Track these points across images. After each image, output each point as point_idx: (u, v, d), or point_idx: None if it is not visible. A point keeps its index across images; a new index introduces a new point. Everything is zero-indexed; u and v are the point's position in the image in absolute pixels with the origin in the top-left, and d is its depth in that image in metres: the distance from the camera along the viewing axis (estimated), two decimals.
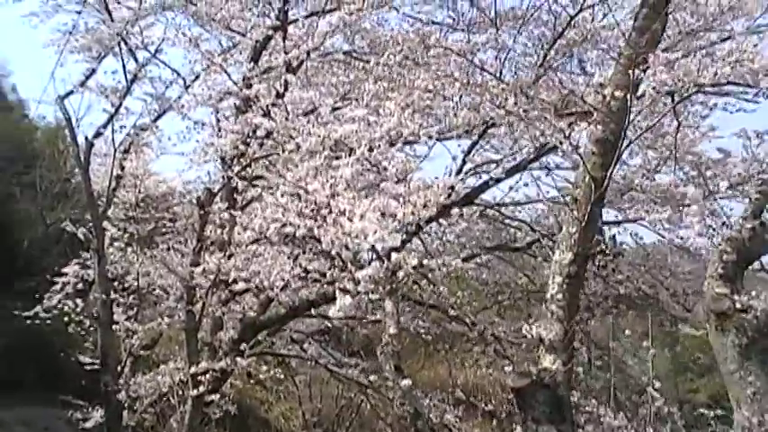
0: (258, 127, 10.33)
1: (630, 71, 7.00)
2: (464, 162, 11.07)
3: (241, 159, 11.47)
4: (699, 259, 11.99)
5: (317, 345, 14.27)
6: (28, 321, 15.39)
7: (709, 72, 6.85)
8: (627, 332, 16.87)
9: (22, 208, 23.57)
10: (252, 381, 17.38)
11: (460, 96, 9.96)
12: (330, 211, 7.62)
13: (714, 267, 6.23)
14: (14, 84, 28.38)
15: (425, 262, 7.77)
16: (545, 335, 6.57)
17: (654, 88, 7.04)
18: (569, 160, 11.42)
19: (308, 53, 11.11)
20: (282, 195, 8.48)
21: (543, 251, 11.97)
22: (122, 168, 13.83)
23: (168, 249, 14.61)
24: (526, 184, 11.62)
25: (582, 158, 7.19)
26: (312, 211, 7.94)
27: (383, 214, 7.46)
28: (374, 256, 7.35)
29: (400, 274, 6.92)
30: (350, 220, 7.30)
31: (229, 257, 10.79)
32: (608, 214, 11.75)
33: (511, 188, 11.52)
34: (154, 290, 14.85)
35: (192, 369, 11.18)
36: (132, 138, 13.65)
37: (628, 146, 8.26)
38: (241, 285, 11.12)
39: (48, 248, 22.52)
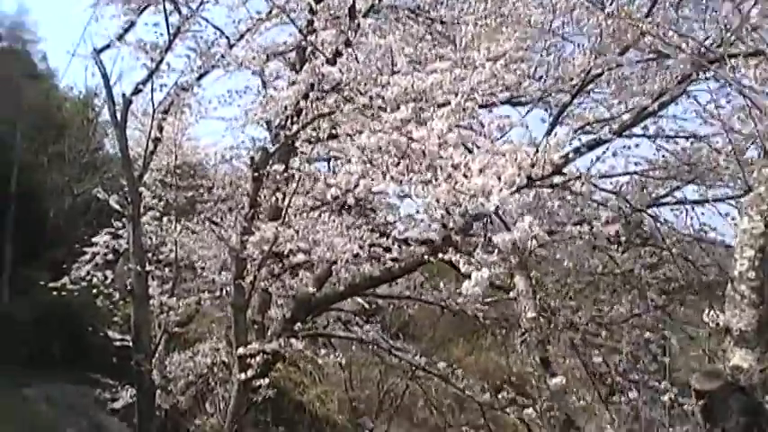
0: (324, 78, 8.61)
1: None
2: (555, 122, 9.27)
3: (298, 118, 9.75)
4: None
5: (371, 326, 12.48)
6: (55, 293, 13.55)
7: None
8: None
9: (49, 178, 21.97)
10: (286, 362, 15.77)
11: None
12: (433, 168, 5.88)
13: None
14: (45, 51, 26.51)
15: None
16: (733, 323, 4.81)
17: None
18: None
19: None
20: (363, 151, 6.75)
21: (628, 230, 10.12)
22: (161, 130, 12.17)
23: (206, 221, 12.90)
24: (615, 154, 9.86)
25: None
26: (407, 166, 6.21)
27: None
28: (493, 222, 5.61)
29: (531, 243, 5.14)
30: (465, 176, 5.57)
31: (288, 226, 9.04)
32: None
33: (598, 158, 9.72)
34: (191, 263, 13.07)
35: (240, 350, 9.43)
36: (173, 97, 11.92)
37: None
38: (299, 257, 9.34)
39: (75, 219, 21.24)
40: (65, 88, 25.23)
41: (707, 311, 5.09)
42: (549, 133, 9.05)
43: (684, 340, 11.29)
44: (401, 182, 5.85)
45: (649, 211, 10.26)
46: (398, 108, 7.34)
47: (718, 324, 4.91)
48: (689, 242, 10.65)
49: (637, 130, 9.55)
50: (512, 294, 5.38)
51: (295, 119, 9.74)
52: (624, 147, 9.60)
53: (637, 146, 9.83)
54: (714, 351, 11.62)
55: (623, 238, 10.59)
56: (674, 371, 12.14)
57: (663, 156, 10.09)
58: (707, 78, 8.70)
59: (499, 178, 5.52)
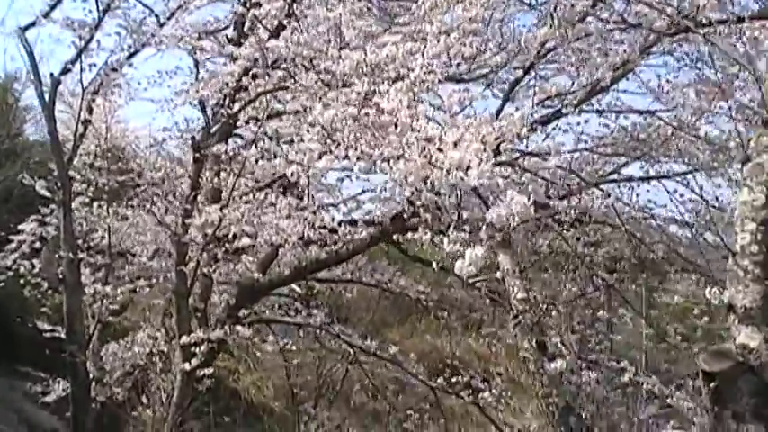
0: (267, 53, 8.14)
1: None
2: (507, 98, 8.91)
3: (237, 96, 9.27)
4: None
5: (318, 311, 12.00)
6: None
7: None
8: None
9: None
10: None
11: None
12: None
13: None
14: None
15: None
16: (737, 300, 4.48)
17: None
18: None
19: None
20: (321, 127, 6.29)
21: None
22: (90, 112, 11.51)
23: (140, 205, 12.33)
24: (565, 130, 9.57)
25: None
26: (371, 141, 5.79)
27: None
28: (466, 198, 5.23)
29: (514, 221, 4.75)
30: (439, 150, 5.17)
31: (233, 208, 8.54)
32: None
33: (547, 135, 9.41)
34: (124, 250, 12.47)
35: (184, 338, 8.91)
36: (102, 77, 11.27)
37: None
38: (245, 241, 8.83)
39: None
40: None
41: (709, 289, 4.75)
42: (501, 108, 8.77)
43: (634, 319, 11.13)
44: (370, 156, 5.39)
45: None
46: (351, 83, 6.96)
47: (720, 301, 4.57)
48: (635, 220, 10.45)
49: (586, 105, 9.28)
50: (498, 274, 4.94)
51: (236, 97, 9.27)
52: (576, 123, 9.32)
53: (587, 122, 9.56)
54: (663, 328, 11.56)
55: (570, 217, 10.31)
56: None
57: (611, 132, 9.84)
58: (664, 52, 8.48)
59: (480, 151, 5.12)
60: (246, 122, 9.41)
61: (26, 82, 22.67)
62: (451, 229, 5.28)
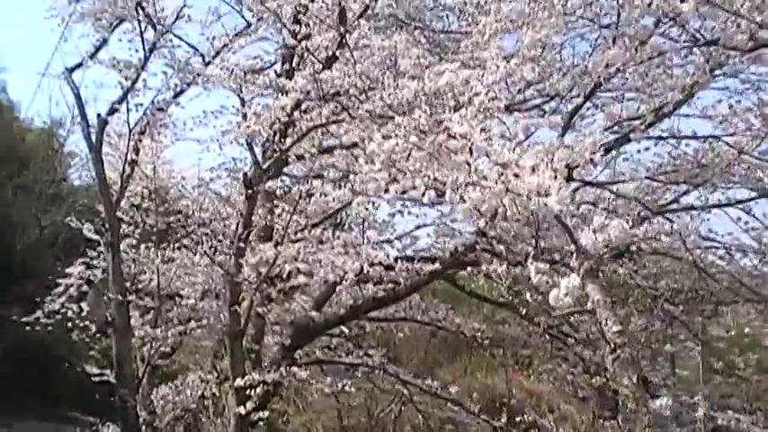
0: (320, 85, 7.83)
1: None
2: (567, 126, 8.51)
3: (287, 132, 8.97)
4: None
5: (376, 351, 11.61)
6: (27, 328, 12.56)
7: None
8: None
9: (14, 211, 20.88)
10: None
11: None
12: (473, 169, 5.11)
13: None
14: (5, 81, 25.40)
15: None
16: None
17: None
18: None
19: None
20: (377, 157, 5.94)
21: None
22: (137, 152, 11.28)
23: (190, 246, 12.05)
24: (625, 159, 9.15)
25: None
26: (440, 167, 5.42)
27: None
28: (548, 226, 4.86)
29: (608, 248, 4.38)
30: (515, 176, 4.80)
31: (284, 246, 8.19)
32: None
33: (607, 164, 8.99)
34: (172, 292, 12.15)
35: (239, 381, 8.53)
36: (149, 117, 11.06)
37: None
38: (301, 279, 8.45)
39: (43, 252, 20.11)
40: (27, 119, 24.21)
41: None
42: (562, 135, 8.38)
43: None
44: (443, 184, 5.02)
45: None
46: (412, 112, 6.62)
47: None
48: (699, 249, 10.00)
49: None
50: (588, 306, 4.54)
51: (287, 132, 8.98)
52: (636, 150, 8.89)
53: (647, 149, 9.14)
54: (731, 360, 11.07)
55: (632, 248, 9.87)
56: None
57: (672, 159, 9.40)
58: (728, 74, 8.09)
59: (555, 177, 4.74)
60: (298, 158, 9.07)
61: (71, 127, 22.77)
62: (531, 259, 4.90)
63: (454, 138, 5.11)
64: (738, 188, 9.69)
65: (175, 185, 13.53)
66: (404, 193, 5.47)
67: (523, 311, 10.54)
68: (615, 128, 8.50)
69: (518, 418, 10.59)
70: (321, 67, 8.13)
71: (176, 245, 12.26)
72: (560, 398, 19.19)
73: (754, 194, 9.42)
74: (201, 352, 12.70)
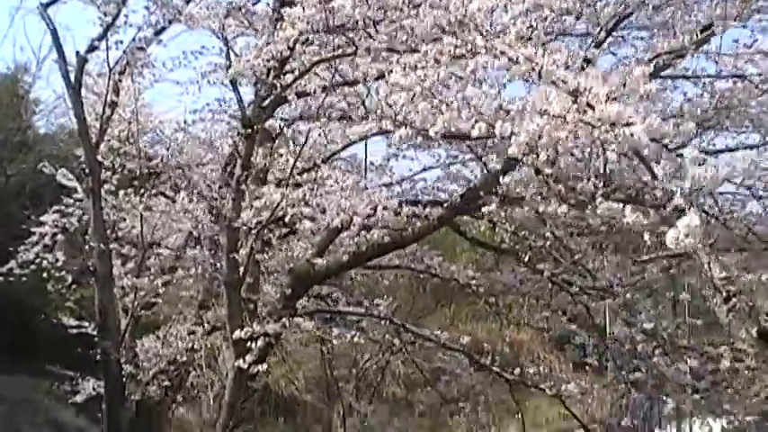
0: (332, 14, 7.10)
1: None
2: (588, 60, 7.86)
3: (282, 68, 8.23)
4: None
5: (383, 300, 10.99)
6: None
7: None
8: None
9: None
10: None
11: None
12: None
13: None
14: None
15: None
16: None
17: None
18: None
19: None
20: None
21: None
22: (117, 93, 10.49)
23: (162, 194, 11.39)
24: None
25: None
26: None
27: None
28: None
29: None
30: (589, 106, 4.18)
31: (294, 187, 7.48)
32: None
33: None
34: (153, 240, 11.41)
35: (238, 333, 7.84)
36: (129, 56, 10.25)
37: None
38: (307, 224, 7.70)
39: (9, 201, 19.04)
40: None
41: None
42: (582, 68, 7.73)
43: None
44: (507, 113, 4.36)
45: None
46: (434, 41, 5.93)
47: None
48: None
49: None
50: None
51: (283, 68, 8.24)
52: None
53: (675, 87, 8.56)
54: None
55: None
56: None
57: (689, 99, 8.79)
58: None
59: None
60: (298, 96, 8.32)
61: (36, 72, 21.75)
62: (599, 197, 4.28)
63: (511, 60, 4.43)
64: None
65: (154, 129, 12.65)
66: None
67: (526, 258, 9.98)
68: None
69: (532, 370, 10.01)
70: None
71: (155, 191, 11.52)
72: (539, 346, 18.86)
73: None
74: (185, 302, 11.94)
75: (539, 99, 4.39)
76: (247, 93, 9.86)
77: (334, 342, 12.45)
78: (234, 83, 9.82)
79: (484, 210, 8.73)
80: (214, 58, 10.67)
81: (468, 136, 5.40)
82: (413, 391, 15.62)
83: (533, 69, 4.30)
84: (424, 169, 10.68)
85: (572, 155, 4.60)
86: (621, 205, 4.24)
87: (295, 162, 7.79)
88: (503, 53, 4.52)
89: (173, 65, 11.07)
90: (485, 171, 9.36)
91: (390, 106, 5.33)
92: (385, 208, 7.71)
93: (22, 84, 22.04)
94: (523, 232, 10.04)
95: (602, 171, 4.33)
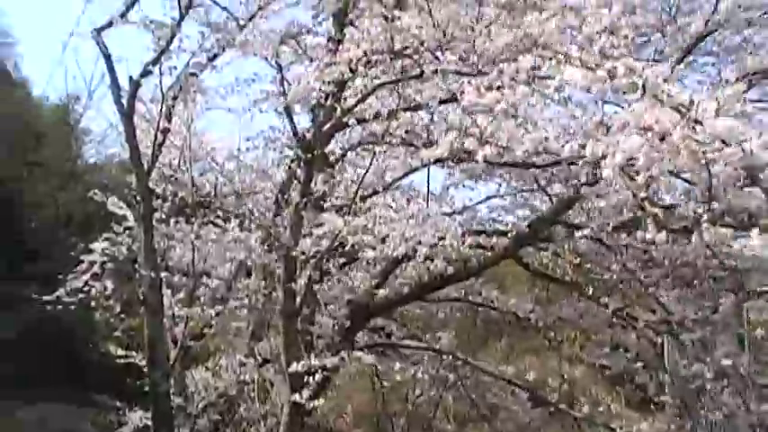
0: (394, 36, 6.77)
1: None
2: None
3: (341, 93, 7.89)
4: None
5: (445, 334, 10.56)
6: (47, 308, 11.51)
7: None
8: None
9: (29, 189, 19.85)
10: None
11: None
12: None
13: None
14: (18, 56, 24.20)
15: None
16: None
17: None
18: None
19: None
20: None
21: None
22: (170, 119, 10.23)
23: (212, 223, 11.12)
24: None
25: None
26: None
27: None
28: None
29: None
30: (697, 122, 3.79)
31: (354, 214, 7.10)
32: None
33: None
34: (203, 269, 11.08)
35: (294, 366, 7.43)
36: (182, 82, 10.02)
37: None
38: (369, 254, 7.26)
39: (59, 230, 18.99)
40: (41, 95, 23.07)
41: None
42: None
43: None
44: (608, 128, 3.97)
45: None
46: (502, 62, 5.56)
47: None
48: None
49: None
50: None
51: (341, 93, 7.91)
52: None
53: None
54: None
55: None
56: None
57: None
58: None
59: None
60: (359, 122, 7.96)
61: (87, 103, 21.70)
62: (704, 222, 3.86)
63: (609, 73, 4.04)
64: None
65: (205, 157, 12.37)
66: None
67: (590, 291, 9.50)
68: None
69: (600, 408, 9.47)
70: (390, 16, 7.00)
71: (206, 219, 11.23)
72: (590, 381, 18.23)
73: None
74: (236, 333, 11.57)
75: (637, 116, 3.98)
76: (300, 121, 9.73)
77: (385, 377, 12.09)
78: (288, 110, 9.61)
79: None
80: (267, 86, 10.55)
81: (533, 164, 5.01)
82: (463, 428, 15.03)
83: (635, 83, 3.89)
84: (488, 198, 10.30)
85: (674, 175, 4.17)
86: (731, 231, 3.82)
87: (358, 188, 7.43)
88: (597, 65, 4.11)
89: (225, 92, 10.96)
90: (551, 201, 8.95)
91: (476, 123, 4.92)
92: (444, 238, 7.27)
93: (73, 113, 22.03)
94: (588, 265, 9.58)
95: (707, 193, 3.90)
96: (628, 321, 9.72)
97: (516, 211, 10.06)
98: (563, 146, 4.24)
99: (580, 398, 15.23)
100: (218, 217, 11.36)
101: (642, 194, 4.24)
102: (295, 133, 9.25)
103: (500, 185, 10.23)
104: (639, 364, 10.53)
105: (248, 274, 10.71)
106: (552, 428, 11.97)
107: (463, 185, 10.18)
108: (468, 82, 5.84)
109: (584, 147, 4.23)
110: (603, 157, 4.14)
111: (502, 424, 12.19)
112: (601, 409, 9.83)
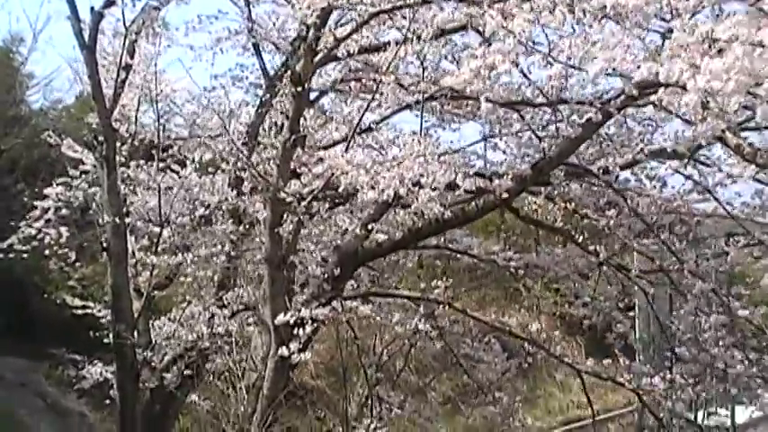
0: None
1: None
2: None
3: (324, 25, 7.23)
4: None
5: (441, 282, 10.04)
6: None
7: None
8: None
9: None
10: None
11: None
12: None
13: None
14: None
15: None
16: None
17: None
18: None
19: None
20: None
21: None
22: (132, 55, 9.50)
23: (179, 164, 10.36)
24: None
25: None
26: None
27: None
28: None
29: None
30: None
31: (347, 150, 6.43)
32: None
33: None
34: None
35: (281, 317, 6.78)
36: (144, 17, 9.30)
37: None
38: (370, 195, 6.49)
39: (2, 176, 17.96)
40: None
41: None
42: None
43: None
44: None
45: None
46: None
47: None
48: None
49: None
50: None
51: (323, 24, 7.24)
52: None
53: None
54: None
55: None
56: None
57: None
58: None
59: None
60: (349, 54, 7.28)
61: (32, 45, 20.62)
62: None
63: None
64: None
65: (165, 98, 11.55)
66: None
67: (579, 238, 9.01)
68: None
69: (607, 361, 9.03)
70: None
71: (169, 162, 10.50)
72: (550, 332, 18.00)
73: None
74: (200, 282, 10.84)
75: (729, 29, 3.38)
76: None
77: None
78: (257, 46, 9.03)
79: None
80: (231, 24, 9.87)
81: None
82: (425, 378, 14.57)
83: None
84: (485, 138, 9.64)
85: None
86: None
87: (358, 123, 6.70)
88: None
89: (187, 29, 10.21)
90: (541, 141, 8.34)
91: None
92: (466, 176, 6.60)
93: (17, 56, 20.92)
94: (584, 210, 9.03)
95: None
96: (619, 269, 9.29)
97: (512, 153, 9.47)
98: (638, 67, 3.61)
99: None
100: (177, 162, 10.63)
101: (722, 124, 3.64)
102: (264, 70, 8.56)
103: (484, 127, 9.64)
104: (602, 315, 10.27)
105: (208, 222, 10.03)
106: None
107: (444, 129, 9.57)
108: (489, 6, 5.20)
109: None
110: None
111: (482, 375, 11.74)
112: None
